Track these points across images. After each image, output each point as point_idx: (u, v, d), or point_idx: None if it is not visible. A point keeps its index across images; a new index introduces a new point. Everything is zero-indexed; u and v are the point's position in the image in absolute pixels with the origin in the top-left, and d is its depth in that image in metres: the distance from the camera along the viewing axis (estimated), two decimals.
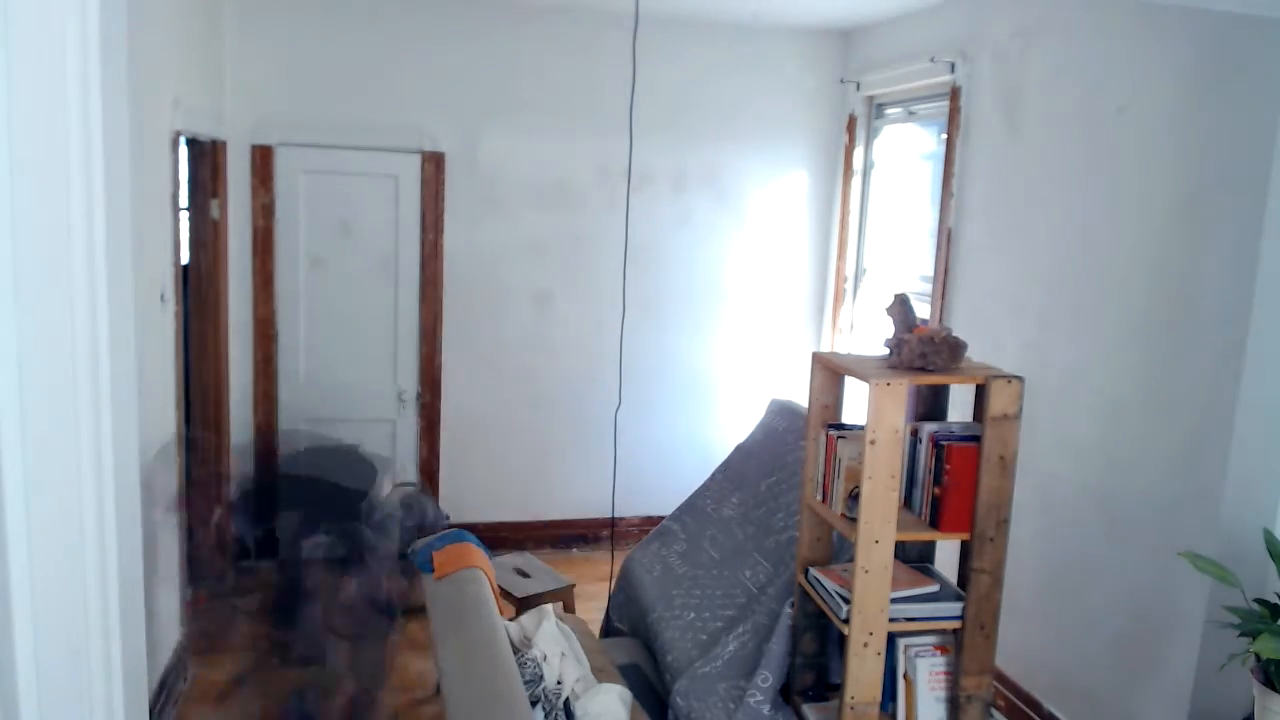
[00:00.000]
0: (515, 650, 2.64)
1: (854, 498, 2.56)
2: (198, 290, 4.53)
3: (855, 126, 5.32)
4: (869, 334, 5.29)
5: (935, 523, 2.55)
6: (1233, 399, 2.56)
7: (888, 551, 2.48)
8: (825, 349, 5.54)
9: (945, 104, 4.38)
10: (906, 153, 5.15)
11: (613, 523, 4.93)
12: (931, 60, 4.39)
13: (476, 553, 3.05)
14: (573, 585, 4.04)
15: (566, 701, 2.59)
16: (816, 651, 2.88)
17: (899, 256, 5.12)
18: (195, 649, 4.01)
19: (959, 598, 2.60)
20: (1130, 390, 3.26)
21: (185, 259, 4.32)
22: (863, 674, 2.53)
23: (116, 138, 1.27)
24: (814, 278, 5.61)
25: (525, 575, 4.07)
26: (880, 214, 5.31)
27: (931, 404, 2.76)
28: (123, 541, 1.29)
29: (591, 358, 5.31)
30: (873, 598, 2.49)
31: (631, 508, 5.40)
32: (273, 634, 4.16)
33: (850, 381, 2.72)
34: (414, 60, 4.90)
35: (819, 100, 5.42)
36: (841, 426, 2.78)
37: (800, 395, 3.28)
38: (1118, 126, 3.36)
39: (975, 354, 2.67)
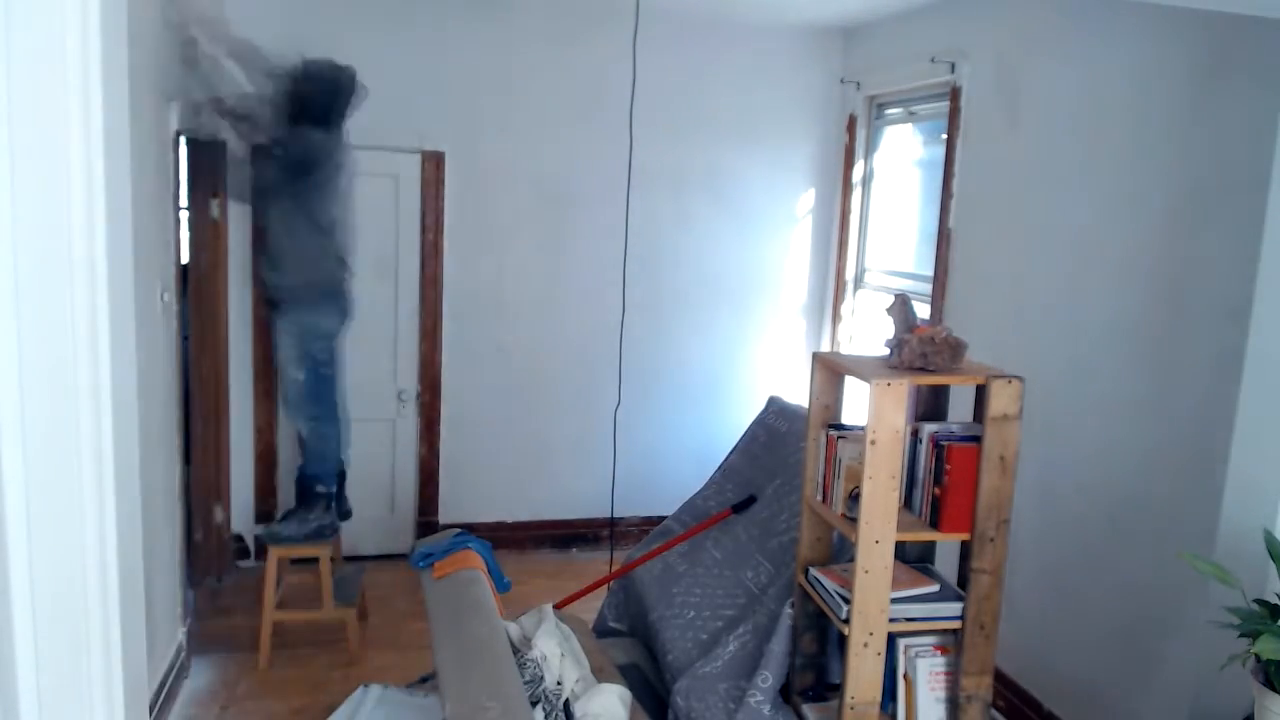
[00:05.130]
0: (515, 650, 2.64)
1: (854, 498, 2.56)
2: (198, 290, 4.53)
3: (855, 126, 5.32)
4: (869, 334, 5.29)
5: (935, 523, 2.55)
6: (1233, 399, 2.56)
7: (888, 552, 2.48)
8: (825, 349, 5.54)
9: (945, 104, 4.38)
10: (907, 153, 5.15)
11: (611, 523, 4.93)
12: (931, 60, 4.39)
13: (475, 557, 3.05)
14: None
15: (566, 702, 2.59)
16: (816, 651, 2.88)
17: (899, 256, 5.12)
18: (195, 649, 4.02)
19: (959, 598, 2.60)
20: (1130, 390, 3.26)
21: (185, 259, 4.32)
22: (863, 674, 2.53)
23: (116, 138, 1.27)
24: (814, 277, 5.61)
25: None
26: (881, 214, 5.31)
27: (932, 404, 2.76)
28: (123, 541, 1.30)
29: (591, 357, 5.30)
30: (873, 598, 2.49)
31: (631, 508, 5.39)
32: None
33: (850, 381, 2.72)
34: (414, 59, 4.90)
35: (819, 100, 5.42)
36: (841, 427, 2.78)
37: (800, 395, 3.28)
38: (1118, 126, 3.36)
39: (975, 354, 2.67)
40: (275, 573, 3.99)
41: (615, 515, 5.42)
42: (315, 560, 4.10)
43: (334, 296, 4.13)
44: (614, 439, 4.64)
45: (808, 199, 5.53)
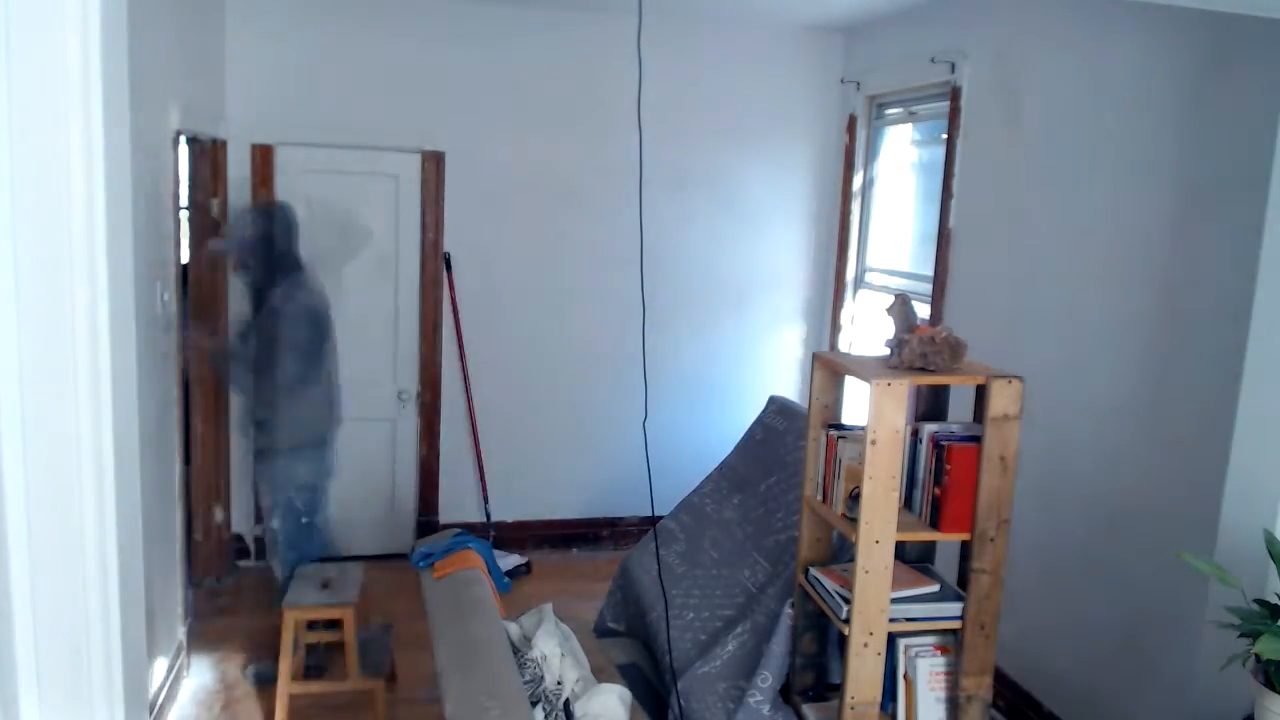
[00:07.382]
0: (515, 650, 2.64)
1: (854, 498, 2.56)
2: (198, 290, 4.53)
3: (855, 126, 5.32)
4: (870, 334, 5.29)
5: (935, 523, 2.55)
6: (1233, 398, 2.56)
7: (888, 552, 2.48)
8: (826, 349, 5.54)
9: (945, 104, 4.38)
10: (907, 153, 5.15)
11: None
12: (931, 60, 4.39)
13: (476, 557, 3.05)
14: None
15: (566, 702, 2.59)
16: (816, 651, 2.88)
17: (899, 256, 5.12)
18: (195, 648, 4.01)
19: (959, 598, 2.60)
20: (1129, 390, 3.26)
21: (185, 259, 4.32)
22: (863, 674, 2.53)
23: (116, 138, 1.27)
24: (815, 277, 5.61)
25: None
26: (881, 214, 5.31)
27: (932, 404, 2.76)
28: (123, 541, 1.30)
29: (591, 357, 5.31)
30: (873, 598, 2.49)
31: (632, 507, 5.40)
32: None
33: (850, 381, 2.72)
34: (414, 59, 4.90)
35: (819, 100, 5.42)
36: (841, 426, 2.78)
37: (800, 395, 3.28)
38: (1118, 126, 3.36)
39: (975, 354, 2.67)
40: (292, 639, 3.44)
41: (614, 515, 5.44)
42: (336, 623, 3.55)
43: (321, 448, 4.02)
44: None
45: (808, 199, 5.53)
